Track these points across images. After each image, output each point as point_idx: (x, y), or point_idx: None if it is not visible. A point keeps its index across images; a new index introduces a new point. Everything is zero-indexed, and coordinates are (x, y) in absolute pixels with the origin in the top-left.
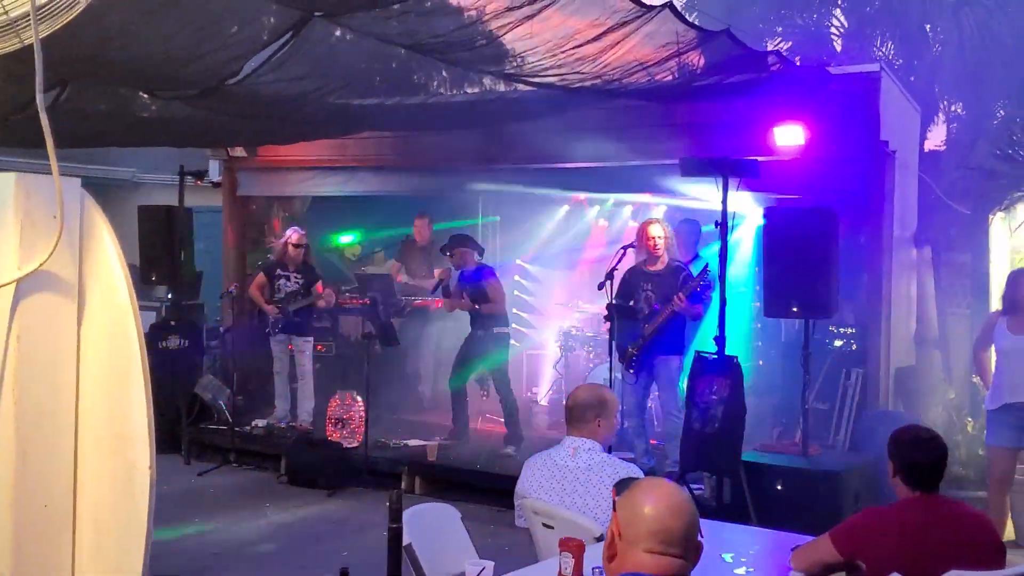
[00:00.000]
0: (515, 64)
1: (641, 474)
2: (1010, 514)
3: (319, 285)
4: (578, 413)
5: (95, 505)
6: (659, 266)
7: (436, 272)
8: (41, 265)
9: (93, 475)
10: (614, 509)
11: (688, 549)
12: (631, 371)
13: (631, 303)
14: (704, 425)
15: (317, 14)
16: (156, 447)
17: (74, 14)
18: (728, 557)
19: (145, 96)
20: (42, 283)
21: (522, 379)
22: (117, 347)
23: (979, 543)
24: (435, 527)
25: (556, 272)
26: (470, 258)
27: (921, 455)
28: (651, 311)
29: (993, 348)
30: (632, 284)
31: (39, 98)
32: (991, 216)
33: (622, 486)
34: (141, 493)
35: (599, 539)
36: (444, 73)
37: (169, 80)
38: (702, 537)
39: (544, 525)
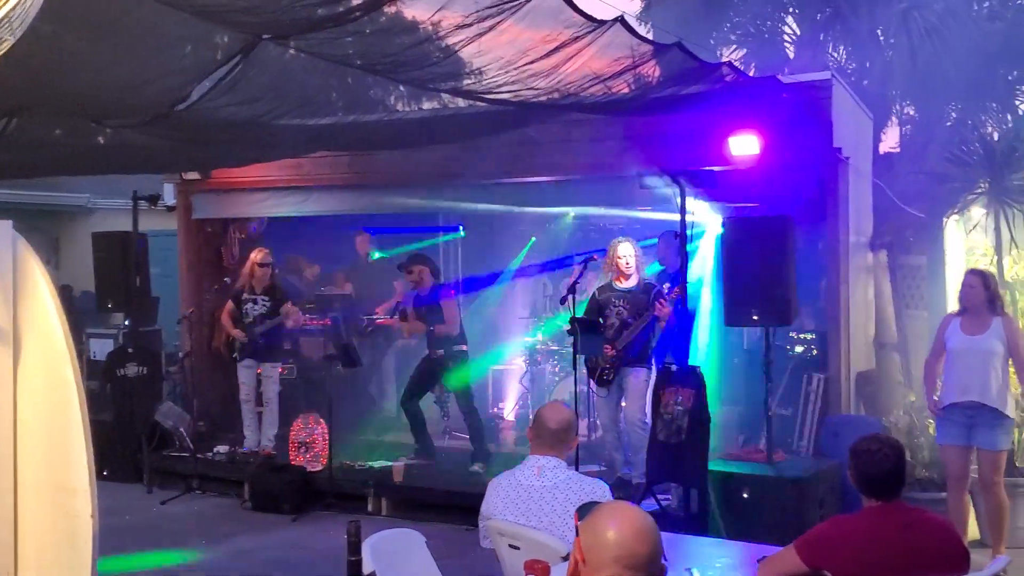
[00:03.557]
0: (471, 81)
1: (607, 491)
2: (973, 514)
3: (287, 305)
4: (563, 435)
5: (37, 556)
6: (630, 283)
7: (396, 293)
8: None
9: (34, 526)
10: (577, 534)
11: (652, 573)
12: (602, 385)
13: (601, 320)
14: (669, 436)
15: (265, 36)
16: (118, 476)
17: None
18: (696, 571)
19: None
20: None
21: (488, 395)
22: (55, 394)
23: (942, 550)
24: (399, 554)
25: (518, 286)
26: (427, 277)
27: (870, 467)
28: (622, 324)
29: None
30: (603, 302)
31: None
32: (945, 219)
33: (584, 510)
34: (84, 543)
35: (565, 558)
36: (401, 88)
37: (117, 107)
38: (666, 560)
39: (510, 546)
